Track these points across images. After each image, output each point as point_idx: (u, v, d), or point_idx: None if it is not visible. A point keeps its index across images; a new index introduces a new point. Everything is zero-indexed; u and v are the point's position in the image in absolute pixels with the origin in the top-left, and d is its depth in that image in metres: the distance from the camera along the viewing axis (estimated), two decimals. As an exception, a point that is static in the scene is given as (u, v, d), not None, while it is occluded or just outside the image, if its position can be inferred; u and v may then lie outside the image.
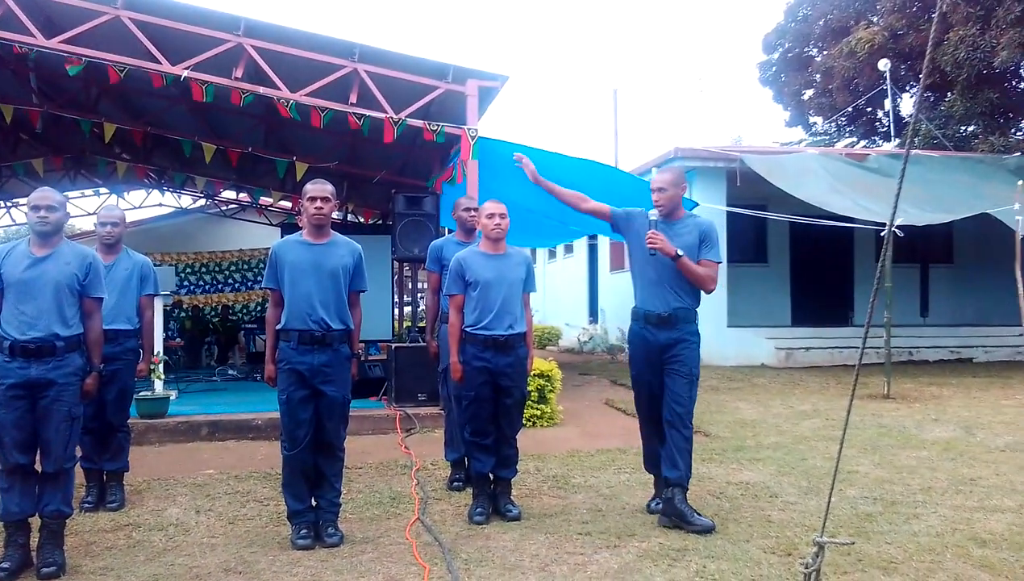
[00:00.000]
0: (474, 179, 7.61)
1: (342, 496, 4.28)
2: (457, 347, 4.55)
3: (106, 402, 4.75)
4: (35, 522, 3.75)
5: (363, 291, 4.33)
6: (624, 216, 4.60)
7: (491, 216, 4.54)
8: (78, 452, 4.09)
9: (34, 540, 3.74)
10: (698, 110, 53.47)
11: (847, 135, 22.50)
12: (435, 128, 7.79)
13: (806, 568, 2.74)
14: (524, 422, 5.56)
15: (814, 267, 14.24)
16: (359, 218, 15.18)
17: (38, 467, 3.75)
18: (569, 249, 19.73)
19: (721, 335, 12.32)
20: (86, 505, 4.71)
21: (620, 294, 16.36)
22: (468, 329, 4.51)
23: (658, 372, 4.40)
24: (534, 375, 7.21)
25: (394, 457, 6.13)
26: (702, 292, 4.45)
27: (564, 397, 8.21)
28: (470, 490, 4.74)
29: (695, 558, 3.74)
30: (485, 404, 4.50)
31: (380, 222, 14.05)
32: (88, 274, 3.86)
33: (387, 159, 10.88)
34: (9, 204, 15.82)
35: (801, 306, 14.20)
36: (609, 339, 15.74)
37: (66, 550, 3.78)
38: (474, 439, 4.53)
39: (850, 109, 19.66)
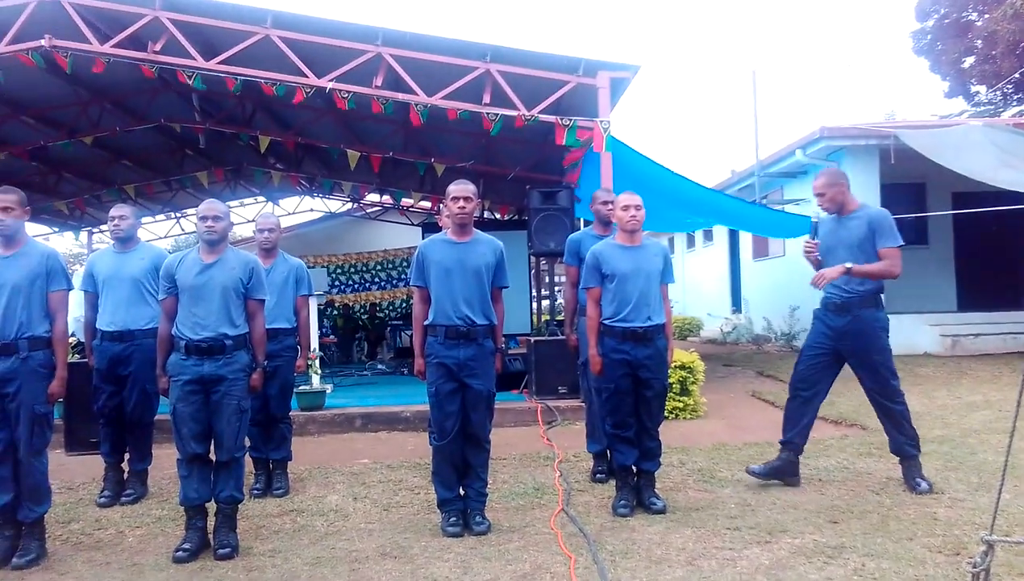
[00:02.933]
0: (608, 171, 7.57)
1: (488, 486, 4.39)
2: (596, 340, 4.54)
3: (270, 396, 5.09)
4: (211, 507, 4.08)
5: (505, 287, 4.41)
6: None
7: (626, 208, 4.51)
8: (247, 442, 4.41)
9: (210, 524, 4.07)
10: (846, 86, 50.70)
11: (1015, 104, 20.64)
12: (567, 122, 7.81)
13: (974, 568, 2.55)
14: (666, 414, 5.51)
15: (982, 247, 13.14)
16: (495, 214, 15.45)
17: (212, 456, 4.09)
18: (708, 237, 19.22)
19: (878, 323, 11.63)
20: (255, 491, 5.08)
21: (764, 283, 15.78)
22: (606, 322, 4.51)
23: (831, 354, 4.80)
24: (675, 367, 7.10)
25: (537, 449, 6.21)
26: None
27: (707, 389, 8.02)
28: (613, 482, 4.74)
29: (853, 556, 3.57)
30: (625, 396, 4.48)
31: (516, 218, 14.24)
32: (251, 278, 4.16)
33: (521, 156, 11.02)
34: (178, 215, 17.24)
35: (968, 289, 13.15)
36: (754, 329, 15.23)
37: (239, 533, 4.09)
38: (616, 431, 4.52)
39: (1017, 75, 18.00)
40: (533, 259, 12.86)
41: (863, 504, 4.39)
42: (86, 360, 5.27)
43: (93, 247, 17.23)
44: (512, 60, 7.86)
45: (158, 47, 7.72)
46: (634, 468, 4.54)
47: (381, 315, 16.01)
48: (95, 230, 17.00)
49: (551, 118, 7.86)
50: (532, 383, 7.95)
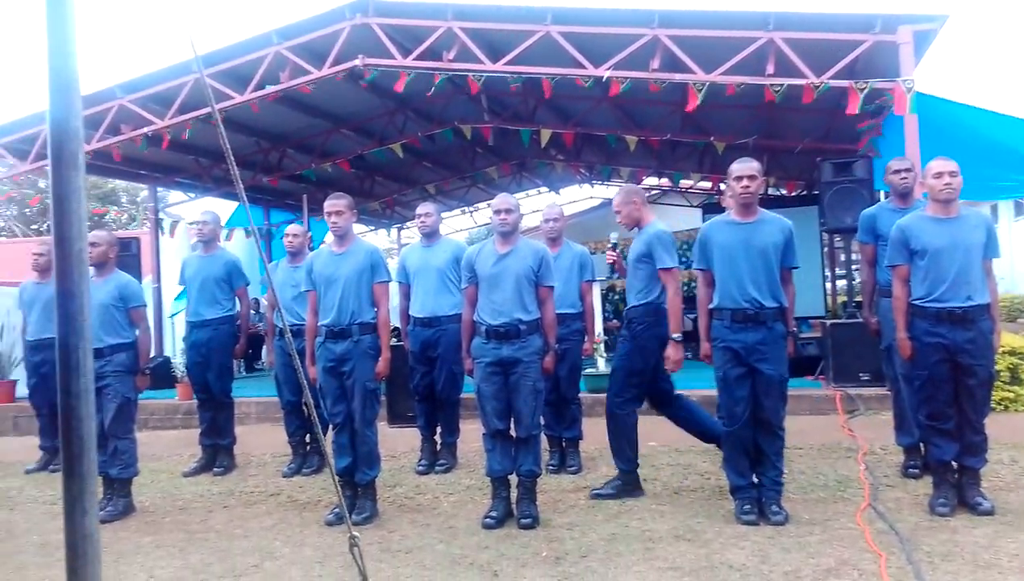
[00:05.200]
0: (913, 137, 6.84)
1: (784, 476, 4.22)
2: (905, 322, 4.15)
3: (560, 378, 5.34)
4: (513, 480, 4.38)
5: (795, 268, 4.21)
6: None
7: (939, 175, 4.06)
8: (542, 421, 4.67)
9: (513, 495, 4.36)
10: None
11: None
12: (862, 86, 7.17)
13: None
14: (993, 406, 4.89)
15: None
16: (781, 191, 14.66)
17: (512, 433, 4.38)
18: (1041, 202, 16.57)
19: None
20: (550, 467, 5.36)
21: (1118, 252, 13.28)
22: (917, 302, 4.10)
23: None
24: (1003, 352, 6.26)
25: (837, 439, 5.83)
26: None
27: (1046, 378, 6.94)
28: (927, 478, 4.31)
29: None
30: (942, 385, 4.05)
31: (804, 193, 13.39)
32: (541, 266, 4.39)
33: (809, 126, 10.33)
34: (470, 209, 18.57)
35: None
36: (1105, 308, 12.89)
37: (538, 505, 4.34)
38: (932, 423, 4.10)
39: None
40: (826, 236, 12.03)
41: None
42: (402, 344, 5.90)
43: (402, 242, 19.16)
44: (797, 25, 7.38)
45: (451, 56, 8.36)
46: (954, 464, 4.09)
47: (662, 299, 15.98)
48: (402, 227, 18.90)
49: (844, 83, 7.28)
50: (829, 369, 7.46)
